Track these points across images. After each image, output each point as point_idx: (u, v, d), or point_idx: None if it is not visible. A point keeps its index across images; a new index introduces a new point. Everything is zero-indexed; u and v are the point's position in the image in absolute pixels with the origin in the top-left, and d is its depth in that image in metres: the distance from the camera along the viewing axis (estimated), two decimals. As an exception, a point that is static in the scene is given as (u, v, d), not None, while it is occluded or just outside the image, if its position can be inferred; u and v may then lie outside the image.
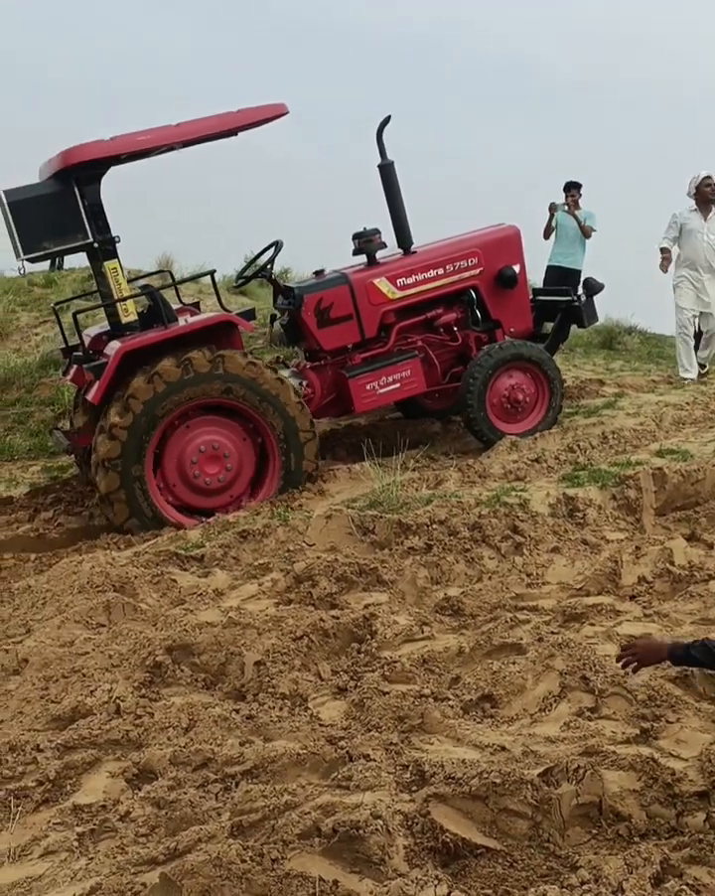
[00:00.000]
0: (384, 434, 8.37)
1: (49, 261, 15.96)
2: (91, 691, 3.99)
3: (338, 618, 4.51)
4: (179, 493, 6.86)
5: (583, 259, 11.50)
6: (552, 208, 11.43)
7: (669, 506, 5.85)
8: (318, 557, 5.27)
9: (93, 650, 4.35)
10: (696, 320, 9.66)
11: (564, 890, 2.51)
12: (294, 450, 6.97)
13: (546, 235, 11.45)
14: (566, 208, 11.35)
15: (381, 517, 5.71)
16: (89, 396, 6.80)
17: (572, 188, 11.44)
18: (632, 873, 2.48)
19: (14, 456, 8.72)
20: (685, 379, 9.44)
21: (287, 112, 7.06)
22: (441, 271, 7.85)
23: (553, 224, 11.46)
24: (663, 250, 9.55)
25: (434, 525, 5.55)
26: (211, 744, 3.56)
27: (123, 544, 6.45)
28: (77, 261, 13.82)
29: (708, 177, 9.35)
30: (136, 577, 5.21)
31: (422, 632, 4.47)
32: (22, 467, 8.49)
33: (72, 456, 7.80)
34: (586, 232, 11.35)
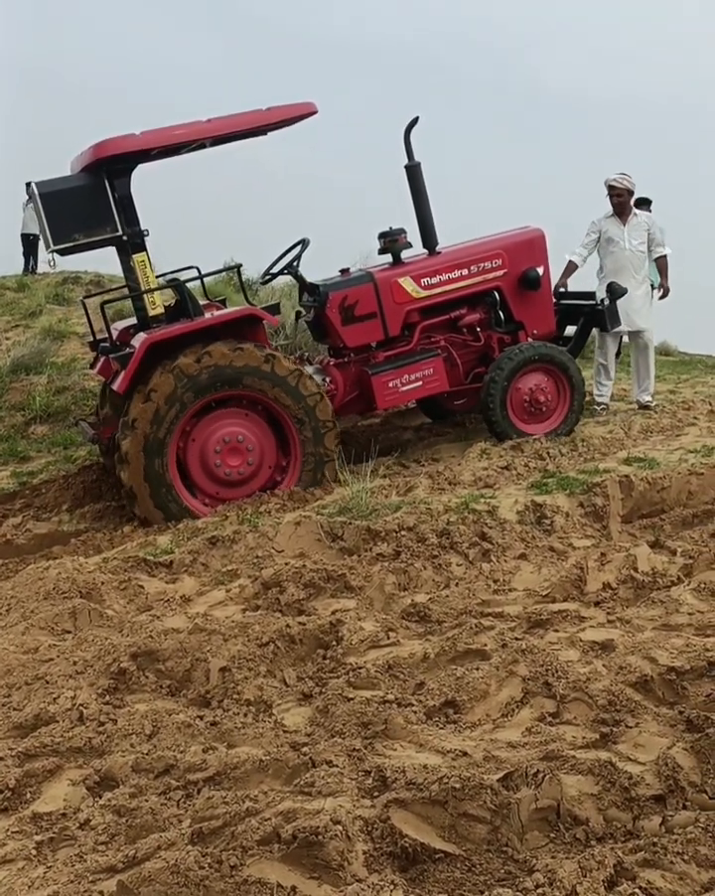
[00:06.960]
0: (357, 441, 8.40)
1: (24, 262, 15.97)
2: (54, 699, 3.98)
3: (304, 624, 4.51)
4: (200, 483, 6.98)
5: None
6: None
7: (636, 513, 5.91)
8: (286, 563, 5.28)
9: (58, 656, 4.34)
10: (622, 341, 8.82)
11: (518, 893, 2.52)
12: (316, 446, 7.09)
13: None
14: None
15: (351, 523, 5.72)
16: (115, 386, 6.91)
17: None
18: (585, 877, 2.49)
19: (-16, 462, 8.67)
20: (599, 404, 8.67)
21: (316, 112, 7.09)
22: (465, 272, 7.91)
23: None
24: (571, 263, 8.48)
25: (403, 532, 5.57)
26: (173, 751, 3.55)
27: (92, 551, 6.43)
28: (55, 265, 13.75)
29: (617, 180, 8.21)
30: (103, 583, 5.20)
31: (388, 638, 4.48)
32: (-9, 473, 8.44)
33: (97, 446, 7.89)
34: None
